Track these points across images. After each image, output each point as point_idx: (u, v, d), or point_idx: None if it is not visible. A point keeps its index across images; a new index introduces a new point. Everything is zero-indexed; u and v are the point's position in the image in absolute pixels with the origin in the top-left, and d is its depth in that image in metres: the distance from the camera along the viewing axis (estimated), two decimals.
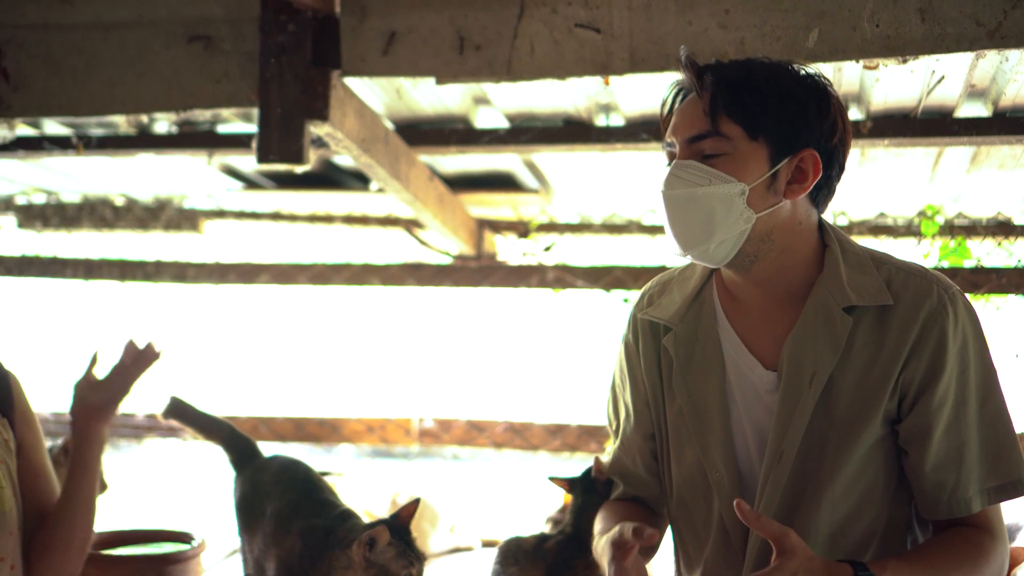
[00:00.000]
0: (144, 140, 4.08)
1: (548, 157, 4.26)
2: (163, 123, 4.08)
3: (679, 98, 2.12)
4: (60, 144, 4.05)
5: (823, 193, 2.09)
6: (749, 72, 2.04)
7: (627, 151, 3.80)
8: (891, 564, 1.95)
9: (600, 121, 3.80)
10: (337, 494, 2.88)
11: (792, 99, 2.02)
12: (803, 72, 2.06)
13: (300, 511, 2.66)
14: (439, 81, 3.05)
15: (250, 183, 4.87)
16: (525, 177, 4.61)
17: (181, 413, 3.08)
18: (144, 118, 3.86)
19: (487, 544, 4.37)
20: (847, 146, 2.09)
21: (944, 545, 2.04)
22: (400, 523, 2.50)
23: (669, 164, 2.08)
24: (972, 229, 4.68)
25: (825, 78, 2.08)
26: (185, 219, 5.26)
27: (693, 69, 2.06)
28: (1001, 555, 2.05)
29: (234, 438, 3.04)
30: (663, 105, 2.15)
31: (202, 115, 3.82)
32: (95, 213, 5.36)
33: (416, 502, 2.51)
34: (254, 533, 2.80)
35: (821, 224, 2.17)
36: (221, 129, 4.08)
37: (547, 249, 5.03)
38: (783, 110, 2.01)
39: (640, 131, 3.62)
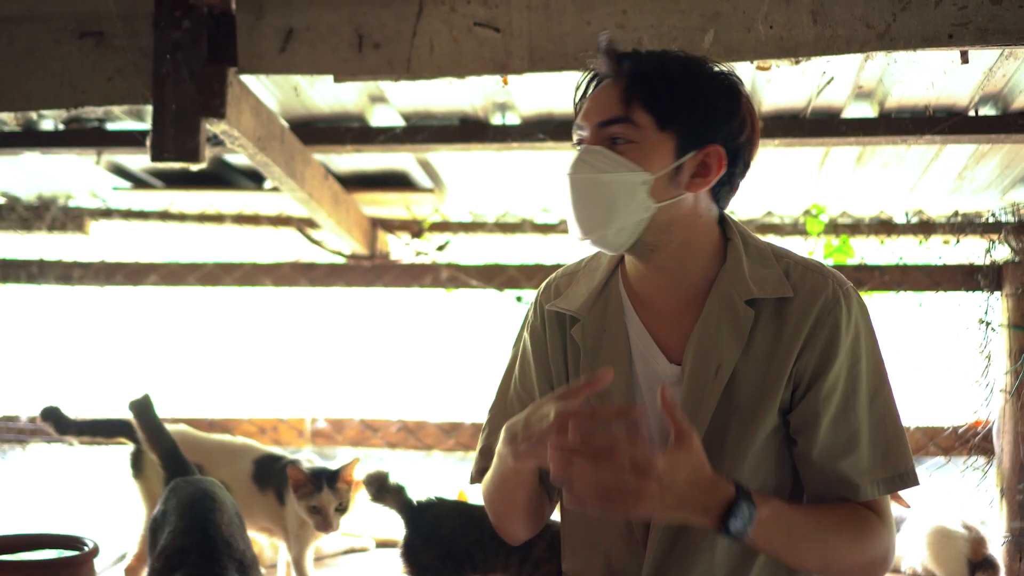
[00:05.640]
0: (30, 137, 3.97)
1: (442, 156, 4.26)
2: (49, 120, 3.98)
3: (593, 85, 2.14)
4: None
5: (725, 189, 2.12)
6: (665, 63, 2.07)
7: (523, 150, 3.82)
8: (774, 503, 1.99)
9: (496, 120, 3.82)
10: (244, 530, 2.84)
11: (703, 94, 2.05)
12: (716, 69, 2.09)
13: (190, 555, 2.60)
14: (337, 79, 3.03)
15: (138, 182, 4.78)
16: (418, 176, 4.60)
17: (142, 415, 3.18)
18: (33, 115, 3.77)
19: (381, 544, 4.36)
20: (754, 145, 2.12)
21: (833, 509, 2.07)
22: None
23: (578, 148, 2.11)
24: (856, 228, 4.79)
25: (736, 77, 2.11)
26: (70, 219, 5.13)
27: (612, 55, 2.07)
28: (887, 541, 2.09)
29: (173, 454, 3.10)
30: (577, 90, 2.17)
31: (91, 112, 3.73)
32: None
33: None
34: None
35: (724, 219, 2.19)
36: (110, 126, 3.99)
37: (440, 248, 5.03)
38: (694, 104, 2.03)
39: (536, 130, 3.64)
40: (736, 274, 2.11)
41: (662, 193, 2.05)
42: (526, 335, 2.38)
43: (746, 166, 2.13)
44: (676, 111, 2.03)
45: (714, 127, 2.05)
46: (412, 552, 2.64)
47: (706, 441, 2.08)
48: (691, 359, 2.11)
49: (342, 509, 3.19)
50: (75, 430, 3.58)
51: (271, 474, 3.61)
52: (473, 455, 2.41)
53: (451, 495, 3.90)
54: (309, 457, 3.97)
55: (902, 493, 3.23)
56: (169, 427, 3.73)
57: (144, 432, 3.16)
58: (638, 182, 2.02)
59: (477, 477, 2.38)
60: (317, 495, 3.19)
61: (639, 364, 2.19)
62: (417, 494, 2.81)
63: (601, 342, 2.22)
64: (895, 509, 3.74)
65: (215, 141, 3.26)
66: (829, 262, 4.70)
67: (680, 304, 2.16)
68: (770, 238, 4.73)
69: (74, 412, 3.72)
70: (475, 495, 3.93)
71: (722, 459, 2.08)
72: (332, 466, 3.36)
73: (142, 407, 3.17)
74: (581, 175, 2.06)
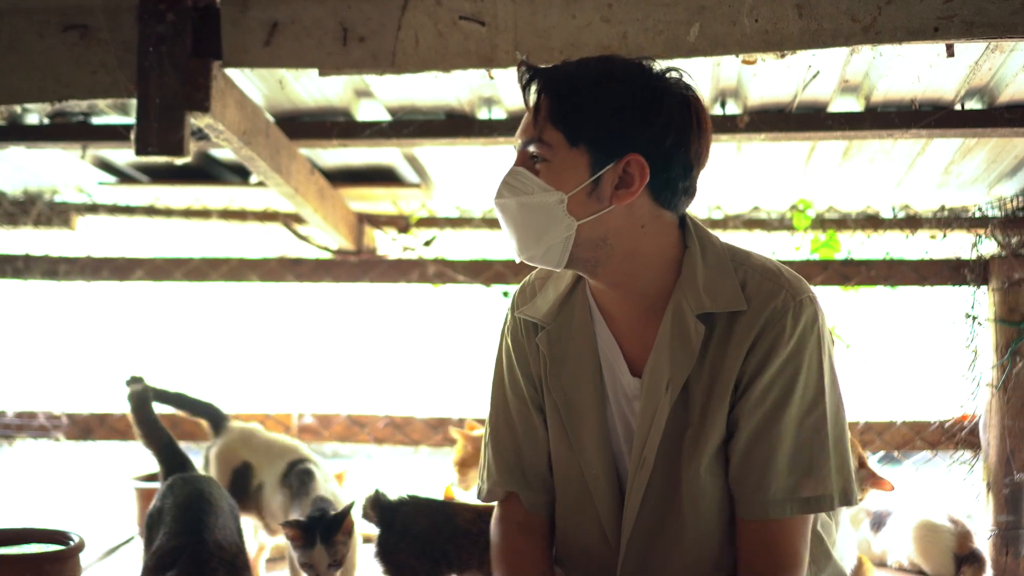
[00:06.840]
0: (15, 131, 3.95)
1: (429, 151, 4.26)
2: (34, 115, 3.96)
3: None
4: None
5: (667, 194, 2.06)
6: (576, 78, 2.04)
7: (509, 144, 3.81)
8: None
9: (482, 114, 3.81)
10: (239, 532, 2.84)
11: (614, 105, 2.00)
12: (637, 74, 2.03)
13: (181, 556, 2.60)
14: (322, 73, 3.03)
15: (124, 176, 4.76)
16: (405, 171, 4.59)
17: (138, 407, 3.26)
18: (17, 108, 3.75)
19: (368, 540, 4.35)
20: (695, 144, 2.05)
21: None
22: None
23: None
24: (842, 223, 4.79)
25: (665, 79, 2.05)
26: (56, 214, 5.11)
27: (525, 73, 2.07)
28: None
29: (169, 449, 3.13)
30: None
31: (76, 106, 3.72)
32: None
33: None
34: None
35: (685, 223, 2.15)
36: (95, 121, 3.98)
37: (427, 244, 5.02)
38: (603, 117, 2.00)
39: None
40: (690, 287, 2.08)
41: (582, 210, 2.03)
42: (508, 340, 2.37)
43: (687, 168, 2.06)
44: (585, 126, 2.01)
45: (629, 137, 2.00)
46: (387, 551, 2.64)
47: (665, 455, 2.08)
48: (647, 374, 2.11)
49: (336, 565, 2.97)
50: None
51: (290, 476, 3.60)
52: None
53: (438, 491, 3.90)
54: (327, 495, 3.85)
55: (886, 475, 3.24)
56: (241, 424, 3.75)
57: (139, 425, 3.15)
58: (554, 201, 2.01)
59: (488, 497, 2.38)
60: (309, 552, 2.96)
61: (607, 373, 2.18)
62: (397, 492, 2.81)
63: (567, 349, 2.21)
64: (882, 502, 3.78)
65: (200, 135, 3.25)
66: (815, 257, 4.70)
67: (640, 316, 2.15)
68: (757, 233, 4.75)
69: (62, 407, 3.70)
70: (466, 495, 3.93)
71: (678, 471, 2.08)
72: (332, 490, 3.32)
73: (139, 398, 3.16)
74: (503, 199, 2.07)
